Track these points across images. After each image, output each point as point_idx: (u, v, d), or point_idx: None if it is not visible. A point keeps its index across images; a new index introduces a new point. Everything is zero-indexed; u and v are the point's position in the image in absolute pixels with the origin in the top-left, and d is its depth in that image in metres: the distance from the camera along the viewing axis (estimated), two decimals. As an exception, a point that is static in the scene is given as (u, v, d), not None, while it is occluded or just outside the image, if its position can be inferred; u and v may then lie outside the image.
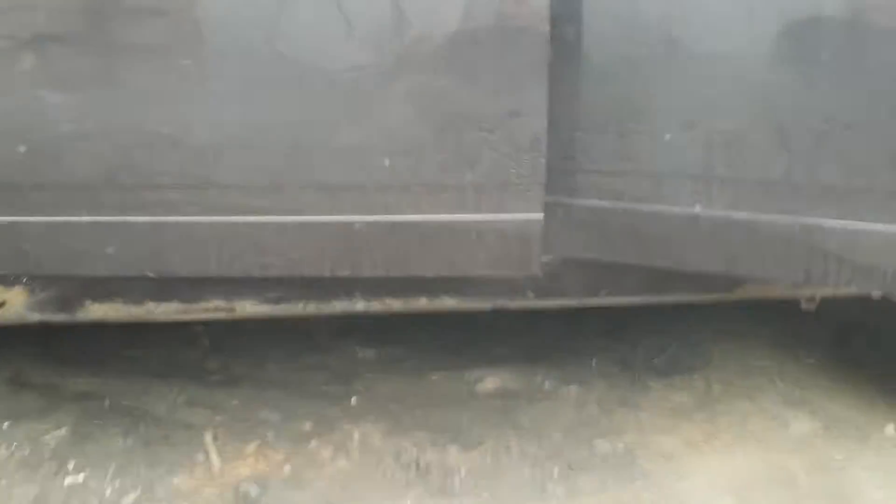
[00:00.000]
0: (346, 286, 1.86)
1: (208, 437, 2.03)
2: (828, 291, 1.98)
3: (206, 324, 2.67)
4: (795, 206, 1.57)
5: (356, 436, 2.05)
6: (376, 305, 1.89)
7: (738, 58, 1.55)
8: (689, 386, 2.27)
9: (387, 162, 1.61)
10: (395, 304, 1.90)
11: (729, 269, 1.65)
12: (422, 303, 1.90)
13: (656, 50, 1.56)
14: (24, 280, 1.79)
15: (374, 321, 2.68)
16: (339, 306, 1.88)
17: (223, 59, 1.56)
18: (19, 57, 1.57)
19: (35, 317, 1.85)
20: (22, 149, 1.61)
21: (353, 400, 2.25)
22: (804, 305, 2.08)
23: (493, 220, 1.63)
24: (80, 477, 1.89)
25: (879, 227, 1.54)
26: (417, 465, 1.92)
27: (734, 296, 1.93)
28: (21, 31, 1.55)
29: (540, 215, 1.63)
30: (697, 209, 1.61)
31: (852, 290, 1.85)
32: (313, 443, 2.02)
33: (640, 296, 1.93)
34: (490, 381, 2.31)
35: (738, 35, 1.55)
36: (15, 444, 2.03)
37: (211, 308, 1.87)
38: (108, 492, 1.84)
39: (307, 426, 2.11)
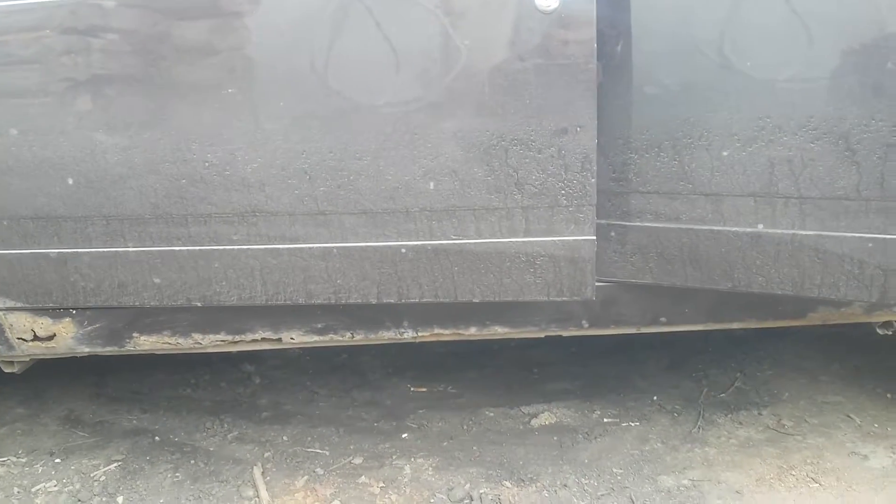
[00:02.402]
0: (394, 315, 1.81)
1: (257, 473, 2.00)
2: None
3: (257, 362, 2.68)
4: (867, 222, 1.47)
5: (407, 471, 2.00)
6: (425, 335, 1.84)
7: (800, 69, 1.48)
8: (758, 422, 2.15)
9: (431, 186, 1.57)
10: (444, 334, 1.84)
11: (797, 291, 1.55)
12: (471, 332, 1.84)
13: (712, 65, 1.49)
14: (73, 312, 1.79)
15: (425, 358, 2.65)
16: (386, 336, 1.84)
17: (273, 94, 1.56)
18: (77, 96, 1.59)
19: (84, 349, 1.85)
20: (70, 182, 1.62)
21: (405, 436, 2.19)
22: (880, 331, 1.95)
23: (543, 242, 1.58)
24: (129, 512, 1.88)
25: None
26: (470, 499, 1.85)
27: (806, 321, 1.82)
28: (78, 74, 1.57)
29: (592, 237, 1.57)
30: (760, 228, 1.53)
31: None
32: (363, 478, 1.97)
33: (701, 323, 1.83)
34: (545, 417, 2.24)
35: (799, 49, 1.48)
36: (65, 479, 2.03)
37: (258, 339, 1.85)
38: (156, 527, 1.83)
39: (357, 461, 2.06)
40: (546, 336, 1.88)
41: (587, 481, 1.91)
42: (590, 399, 2.32)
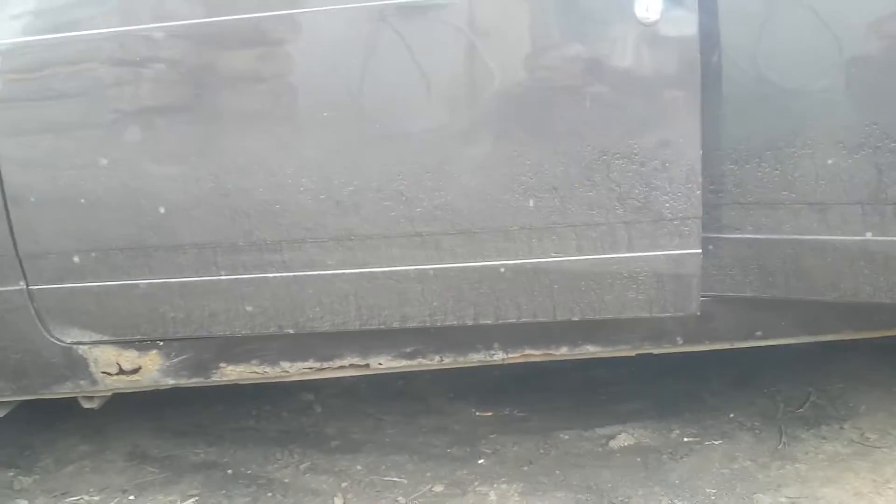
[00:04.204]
0: (485, 337, 1.79)
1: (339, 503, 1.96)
2: None
3: (314, 391, 2.64)
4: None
5: (493, 497, 1.96)
6: (515, 356, 1.81)
7: None
8: (842, 436, 2.11)
9: (531, 203, 1.55)
10: (534, 354, 1.81)
11: (908, 299, 1.53)
12: (562, 352, 1.81)
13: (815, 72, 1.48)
14: (160, 344, 1.76)
15: (485, 382, 2.62)
16: (476, 358, 1.81)
17: (368, 116, 1.56)
18: (169, 124, 1.59)
19: (169, 382, 1.82)
20: (162, 210, 1.61)
21: (482, 461, 2.15)
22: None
23: (647, 257, 1.56)
24: (216, 548, 1.83)
25: None
26: (566, 525, 1.81)
27: (908, 330, 1.80)
28: (170, 101, 1.57)
29: (698, 251, 1.55)
30: (868, 236, 1.51)
31: None
32: (448, 505, 1.93)
33: (797, 336, 1.81)
34: (623, 438, 2.20)
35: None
36: (143, 516, 1.99)
37: (346, 365, 1.82)
38: (247, 563, 1.79)
39: (438, 489, 2.03)
40: (638, 354, 1.85)
41: (681, 502, 1.87)
42: (665, 418, 2.28)
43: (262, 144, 1.57)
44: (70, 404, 2.06)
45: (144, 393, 2.04)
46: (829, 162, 1.50)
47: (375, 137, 1.55)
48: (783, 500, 1.84)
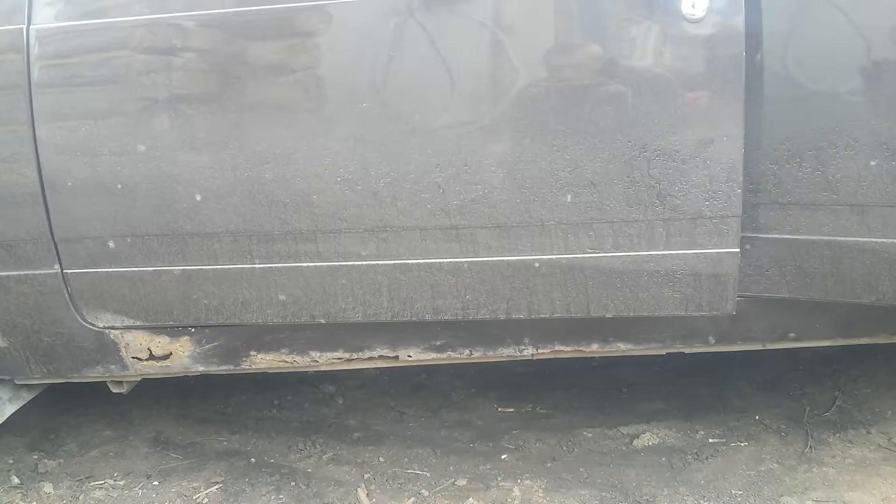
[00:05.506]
0: (515, 331, 1.78)
1: (362, 495, 1.96)
2: None
3: (336, 382, 2.65)
4: None
5: (516, 493, 1.95)
6: (545, 352, 1.81)
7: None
8: (869, 440, 2.09)
9: (569, 198, 1.54)
10: (564, 350, 1.80)
11: (948, 304, 1.51)
12: (593, 348, 1.80)
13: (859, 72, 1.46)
14: (192, 330, 1.77)
15: (506, 378, 2.62)
16: (506, 353, 1.80)
17: (408, 107, 1.55)
18: (207, 112, 1.58)
19: (199, 368, 1.82)
20: (198, 198, 1.61)
21: (505, 457, 2.15)
22: None
23: (684, 256, 1.55)
24: (241, 535, 1.84)
25: None
26: (591, 522, 1.80)
27: (947, 335, 1.78)
28: (210, 89, 1.58)
29: (736, 250, 1.54)
30: (910, 239, 1.49)
31: None
32: (471, 499, 1.93)
33: (830, 338, 1.79)
34: (647, 437, 2.19)
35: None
36: (167, 501, 2.00)
37: (375, 356, 1.82)
38: (271, 551, 1.79)
39: (461, 482, 2.02)
40: (668, 353, 1.84)
41: (707, 503, 1.86)
42: (690, 419, 2.27)
43: (301, 134, 1.56)
44: (94, 389, 2.07)
45: (167, 380, 2.05)
46: (872, 164, 1.48)
47: (414, 130, 1.55)
48: (810, 503, 1.83)
